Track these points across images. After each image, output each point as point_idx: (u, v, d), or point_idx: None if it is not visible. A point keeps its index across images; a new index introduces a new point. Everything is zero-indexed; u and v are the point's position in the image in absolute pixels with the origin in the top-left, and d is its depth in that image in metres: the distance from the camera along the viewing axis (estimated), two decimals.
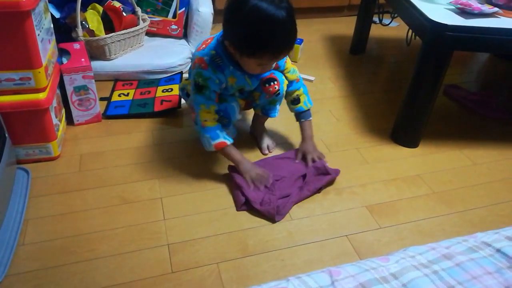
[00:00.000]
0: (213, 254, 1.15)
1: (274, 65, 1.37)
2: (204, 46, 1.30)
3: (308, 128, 1.48)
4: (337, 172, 1.42)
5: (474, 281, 0.68)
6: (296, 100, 1.45)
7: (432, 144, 1.63)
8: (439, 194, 1.40)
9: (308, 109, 1.47)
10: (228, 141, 1.33)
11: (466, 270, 0.71)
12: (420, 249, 0.77)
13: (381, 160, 1.55)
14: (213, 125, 1.32)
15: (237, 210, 1.28)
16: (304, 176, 1.37)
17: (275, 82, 1.38)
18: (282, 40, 1.15)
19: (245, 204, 1.28)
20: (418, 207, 1.34)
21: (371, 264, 0.73)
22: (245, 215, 1.27)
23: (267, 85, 1.38)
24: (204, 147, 1.37)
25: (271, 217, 1.24)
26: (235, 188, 1.33)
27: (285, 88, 1.41)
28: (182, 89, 1.55)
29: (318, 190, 1.36)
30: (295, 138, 1.58)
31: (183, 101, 1.71)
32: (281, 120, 1.63)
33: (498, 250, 0.75)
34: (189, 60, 2.09)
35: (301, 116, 1.47)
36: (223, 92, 1.36)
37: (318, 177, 1.37)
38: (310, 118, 1.48)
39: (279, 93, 1.40)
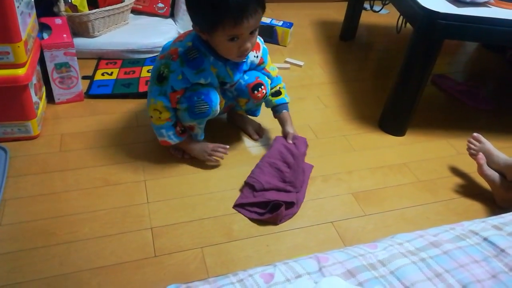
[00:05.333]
0: (198, 238, 1.13)
1: (259, 59, 1.34)
2: (181, 38, 1.25)
3: (289, 117, 1.44)
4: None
5: (461, 269, 0.69)
6: (278, 92, 1.43)
7: (419, 133, 1.63)
8: (424, 183, 1.40)
9: (287, 103, 1.45)
10: (173, 141, 1.32)
11: (453, 258, 0.71)
12: (408, 237, 0.77)
13: (368, 147, 1.54)
14: (157, 123, 1.29)
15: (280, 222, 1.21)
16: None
17: (262, 87, 1.34)
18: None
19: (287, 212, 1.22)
20: (403, 195, 1.34)
21: (359, 251, 0.73)
22: (230, 200, 1.26)
23: (255, 91, 1.33)
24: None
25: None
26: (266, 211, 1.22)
27: (269, 88, 1.39)
28: None
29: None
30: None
31: None
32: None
33: (485, 239, 0.75)
34: None
35: (282, 107, 1.43)
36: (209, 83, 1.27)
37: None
38: (289, 111, 1.46)
39: (266, 96, 1.38)
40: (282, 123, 1.43)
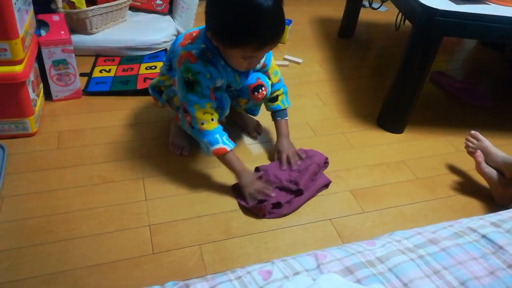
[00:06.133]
0: (196, 235, 1.13)
1: (261, 64, 1.33)
2: (189, 41, 1.20)
3: (284, 126, 1.42)
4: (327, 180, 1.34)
5: (460, 266, 0.69)
6: (274, 99, 1.41)
7: (417, 130, 1.63)
8: (422, 180, 1.40)
9: (285, 109, 1.42)
10: (228, 147, 1.20)
11: (451, 255, 0.71)
12: (406, 234, 0.77)
13: (366, 145, 1.54)
14: (211, 127, 1.19)
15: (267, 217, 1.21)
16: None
17: (263, 88, 1.33)
18: (267, 30, 1.08)
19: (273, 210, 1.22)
20: (401, 193, 1.34)
21: (357, 248, 0.73)
22: (229, 197, 1.26)
23: (256, 93, 1.33)
24: (203, 151, 1.28)
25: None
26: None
27: (270, 89, 1.38)
28: (153, 88, 1.41)
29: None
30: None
31: None
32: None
33: (484, 236, 0.75)
34: (174, 37, 2.03)
35: (277, 114, 1.42)
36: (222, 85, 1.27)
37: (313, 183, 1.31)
38: (286, 118, 1.43)
39: (266, 97, 1.37)
40: (277, 134, 1.43)
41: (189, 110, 1.19)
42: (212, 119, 1.19)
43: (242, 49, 1.10)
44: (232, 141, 1.23)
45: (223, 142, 1.20)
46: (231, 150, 1.21)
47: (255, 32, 1.06)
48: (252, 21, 1.05)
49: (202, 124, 1.19)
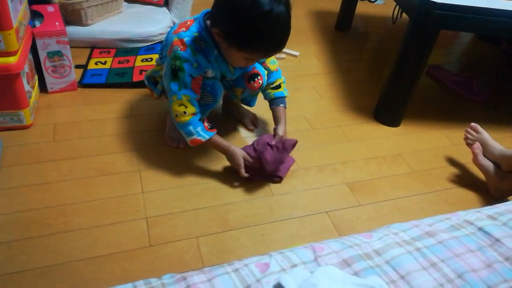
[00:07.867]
0: (193, 228, 1.13)
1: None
2: (183, 28, 1.18)
3: (284, 113, 1.39)
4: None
5: (456, 258, 0.69)
6: (277, 86, 1.40)
7: (414, 124, 1.64)
8: (419, 173, 1.41)
9: (285, 97, 1.42)
10: (203, 138, 1.22)
11: (448, 247, 0.71)
12: (403, 226, 0.77)
13: (363, 138, 1.54)
14: (184, 120, 1.19)
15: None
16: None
17: (259, 77, 1.33)
18: (279, 38, 1.09)
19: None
20: (397, 186, 1.35)
21: (355, 241, 0.73)
22: (226, 189, 1.26)
23: (251, 81, 1.33)
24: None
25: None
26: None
27: (266, 79, 1.37)
28: (148, 78, 1.40)
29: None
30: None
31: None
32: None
33: (480, 229, 0.75)
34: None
35: (279, 101, 1.40)
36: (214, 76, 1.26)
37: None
38: (286, 106, 1.41)
39: (262, 86, 1.37)
40: (276, 120, 1.41)
41: (169, 100, 1.21)
42: (185, 112, 1.19)
43: (249, 53, 1.12)
44: (210, 132, 1.23)
45: (197, 134, 1.21)
46: (207, 139, 1.23)
47: (268, 41, 1.08)
48: (269, 31, 1.06)
49: (176, 116, 1.20)
